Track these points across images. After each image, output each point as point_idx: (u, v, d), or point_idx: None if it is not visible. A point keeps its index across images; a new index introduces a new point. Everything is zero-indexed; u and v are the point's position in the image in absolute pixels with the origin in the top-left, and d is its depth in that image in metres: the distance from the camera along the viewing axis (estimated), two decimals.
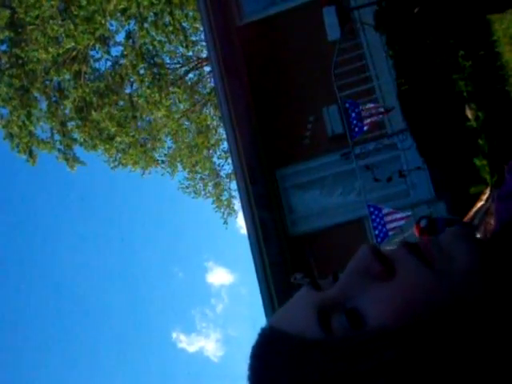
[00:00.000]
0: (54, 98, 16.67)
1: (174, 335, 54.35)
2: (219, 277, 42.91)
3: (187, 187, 19.36)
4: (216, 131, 18.64)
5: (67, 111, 16.69)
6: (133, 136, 16.90)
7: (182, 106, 17.82)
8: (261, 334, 0.72)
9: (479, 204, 8.88)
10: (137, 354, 48.59)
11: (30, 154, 16.66)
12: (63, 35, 15.08)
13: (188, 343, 48.61)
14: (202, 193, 19.43)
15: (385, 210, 10.00)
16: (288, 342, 0.67)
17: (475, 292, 0.62)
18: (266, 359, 0.69)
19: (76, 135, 16.79)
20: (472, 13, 9.21)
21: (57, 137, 16.95)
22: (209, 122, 18.40)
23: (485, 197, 8.84)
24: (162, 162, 18.63)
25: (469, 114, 9.52)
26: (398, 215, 9.97)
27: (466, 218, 8.95)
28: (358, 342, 0.62)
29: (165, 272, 47.07)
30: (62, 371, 44.31)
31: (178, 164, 18.88)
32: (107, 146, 16.71)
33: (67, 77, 16.27)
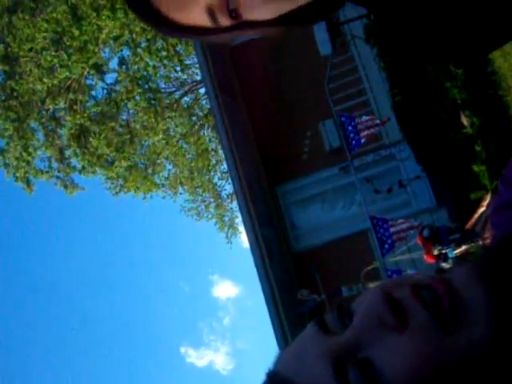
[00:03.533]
0: (50, 127, 16.74)
1: (183, 350, 54.10)
2: (225, 290, 42.80)
3: (189, 210, 19.38)
4: (215, 152, 18.68)
5: (64, 139, 16.75)
6: (132, 160, 16.93)
7: (179, 130, 17.86)
8: (268, 381, 0.68)
9: (480, 210, 8.87)
10: (146, 370, 48.30)
11: (28, 182, 16.71)
12: (57, 65, 15.17)
13: (197, 357, 48.32)
14: (205, 214, 19.44)
15: (390, 221, 9.98)
16: None
17: (485, 355, 0.61)
18: None
19: (74, 162, 16.89)
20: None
21: (55, 165, 17.03)
22: (207, 144, 18.44)
23: (485, 203, 8.83)
24: (163, 185, 18.64)
25: (464, 120, 9.55)
26: (404, 225, 9.95)
27: (468, 225, 8.94)
28: None
29: (171, 287, 47.03)
30: None
31: (179, 187, 18.90)
32: (108, 173, 16.75)
33: (63, 105, 16.35)
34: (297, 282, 10.80)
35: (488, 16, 0.95)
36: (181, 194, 19.19)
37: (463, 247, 8.70)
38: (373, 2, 1.01)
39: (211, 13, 0.85)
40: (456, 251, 8.66)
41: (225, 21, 0.86)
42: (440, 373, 0.60)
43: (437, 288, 0.63)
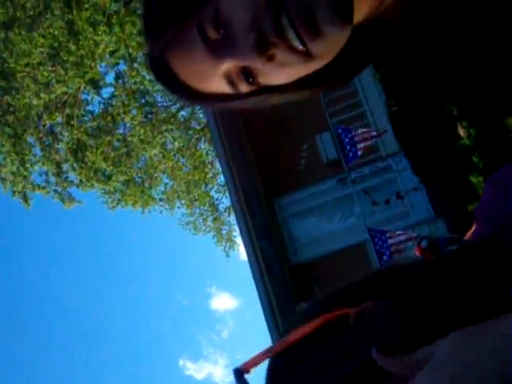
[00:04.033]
0: (47, 142, 16.75)
1: (181, 362, 53.98)
2: (223, 302, 42.66)
3: (187, 223, 19.35)
4: (212, 165, 18.68)
5: (61, 153, 16.76)
6: (129, 175, 16.93)
7: (176, 144, 17.88)
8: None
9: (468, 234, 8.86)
10: (145, 383, 48.09)
11: (25, 197, 16.69)
12: (54, 80, 15.19)
13: (196, 370, 48.21)
14: (203, 228, 19.40)
15: (388, 233, 9.97)
16: None
17: None
18: None
19: (72, 176, 16.88)
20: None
21: (52, 179, 17.02)
22: (205, 157, 18.45)
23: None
24: (160, 199, 18.63)
25: (461, 132, 9.57)
26: (402, 237, 9.94)
27: (467, 236, 8.92)
28: None
29: (169, 300, 47.01)
30: None
31: (177, 201, 18.88)
32: (105, 187, 16.75)
33: (59, 120, 16.36)
34: (295, 294, 10.76)
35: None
36: (178, 207, 19.18)
37: None
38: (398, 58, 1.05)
39: (230, 80, 0.89)
40: None
41: (244, 87, 0.90)
42: None
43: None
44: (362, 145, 10.19)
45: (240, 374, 0.73)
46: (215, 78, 0.89)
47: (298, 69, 0.88)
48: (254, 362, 0.75)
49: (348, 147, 10.29)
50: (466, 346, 0.61)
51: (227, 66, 0.86)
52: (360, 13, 0.88)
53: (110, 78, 17.02)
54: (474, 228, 0.95)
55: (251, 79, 0.88)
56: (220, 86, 0.90)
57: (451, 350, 0.62)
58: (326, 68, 0.89)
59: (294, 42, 0.81)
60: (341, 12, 0.80)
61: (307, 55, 0.83)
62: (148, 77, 16.24)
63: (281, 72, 0.87)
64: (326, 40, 0.82)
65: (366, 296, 0.74)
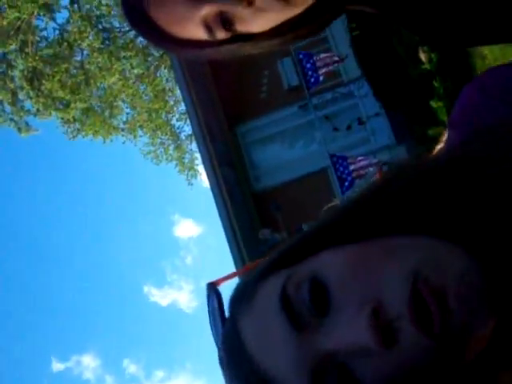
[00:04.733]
0: (0, 70, 16.25)
1: (146, 289, 54.66)
2: (186, 229, 42.90)
3: (149, 153, 19.19)
4: (172, 93, 18.40)
5: (17, 81, 16.30)
6: (88, 103, 16.60)
7: (135, 71, 17.51)
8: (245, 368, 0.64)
9: (439, 146, 8.95)
10: (109, 309, 48.80)
11: None
12: (5, 6, 14.64)
13: (160, 296, 48.85)
14: (165, 157, 19.27)
15: (349, 159, 10.03)
16: None
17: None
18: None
19: (28, 105, 16.49)
20: None
21: (7, 108, 16.62)
22: (164, 85, 18.15)
23: (444, 138, 8.91)
24: (122, 129, 18.38)
25: (422, 56, 9.53)
26: (363, 162, 10.01)
27: (436, 151, 9.02)
28: None
29: (132, 228, 47.26)
30: (37, 329, 44.25)
31: (139, 129, 18.66)
32: (63, 115, 16.42)
33: (13, 48, 15.83)
34: (258, 221, 10.85)
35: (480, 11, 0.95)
36: (140, 137, 18.98)
37: None
38: None
39: (207, 25, 0.88)
40: None
41: (221, 34, 0.90)
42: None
43: (430, 305, 0.56)
44: (323, 70, 10.11)
45: (212, 285, 0.73)
46: (193, 23, 0.88)
47: (277, 15, 0.88)
48: (224, 278, 0.75)
49: (309, 73, 10.20)
50: None
51: (206, 10, 0.86)
52: None
53: (64, 2, 16.38)
54: (446, 136, 0.90)
55: (229, 25, 0.88)
56: (196, 31, 0.89)
57: None
58: (302, 14, 0.90)
59: None
60: None
61: (286, 0, 0.84)
62: (104, 1, 15.72)
63: (259, 18, 0.88)
64: None
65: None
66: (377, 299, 0.57)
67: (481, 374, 0.60)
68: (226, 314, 0.69)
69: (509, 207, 0.63)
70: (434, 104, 9.55)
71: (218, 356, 0.69)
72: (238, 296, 0.69)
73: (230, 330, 0.67)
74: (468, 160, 0.67)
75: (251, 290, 0.66)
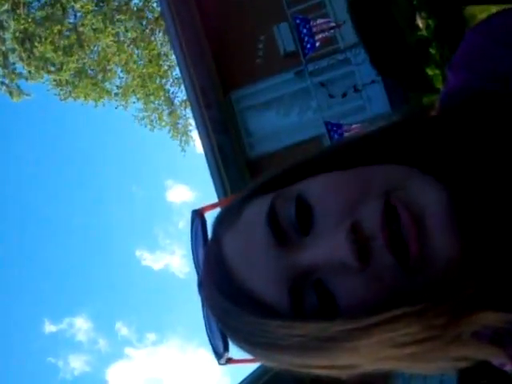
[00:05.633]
0: None
1: (138, 253, 54.82)
2: (179, 194, 42.84)
3: (142, 118, 19.07)
4: (167, 57, 18.22)
5: (8, 43, 16.10)
6: (80, 64, 16.44)
7: (129, 34, 17.30)
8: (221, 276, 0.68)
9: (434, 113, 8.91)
10: (101, 273, 49.01)
11: None
12: None
13: (153, 260, 48.97)
14: (158, 122, 19.16)
15: (344, 127, 10.00)
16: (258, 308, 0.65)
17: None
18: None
19: (20, 68, 16.31)
20: None
21: None
22: (159, 49, 17.97)
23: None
24: (116, 94, 18.24)
25: (419, 22, 9.43)
26: (358, 130, 9.97)
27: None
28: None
29: (124, 192, 47.20)
30: (28, 289, 44.51)
31: (132, 95, 18.52)
32: (56, 77, 16.27)
33: (5, 8, 15.60)
34: None
35: None
36: (134, 102, 18.85)
37: None
38: None
39: None
40: None
41: None
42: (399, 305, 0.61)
43: (406, 226, 0.60)
44: (320, 36, 10.00)
45: (197, 212, 0.73)
46: None
47: None
48: (211, 206, 0.76)
49: (306, 38, 10.08)
50: None
51: None
52: None
53: None
54: (448, 81, 0.86)
55: None
56: None
57: None
58: None
59: None
60: None
61: None
62: None
63: None
64: None
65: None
66: (355, 218, 0.61)
67: (455, 308, 0.62)
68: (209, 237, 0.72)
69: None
70: (429, 71, 9.48)
71: (197, 281, 0.71)
72: (223, 216, 0.73)
73: (212, 245, 0.71)
74: (485, 96, 0.69)
75: (237, 209, 0.71)
